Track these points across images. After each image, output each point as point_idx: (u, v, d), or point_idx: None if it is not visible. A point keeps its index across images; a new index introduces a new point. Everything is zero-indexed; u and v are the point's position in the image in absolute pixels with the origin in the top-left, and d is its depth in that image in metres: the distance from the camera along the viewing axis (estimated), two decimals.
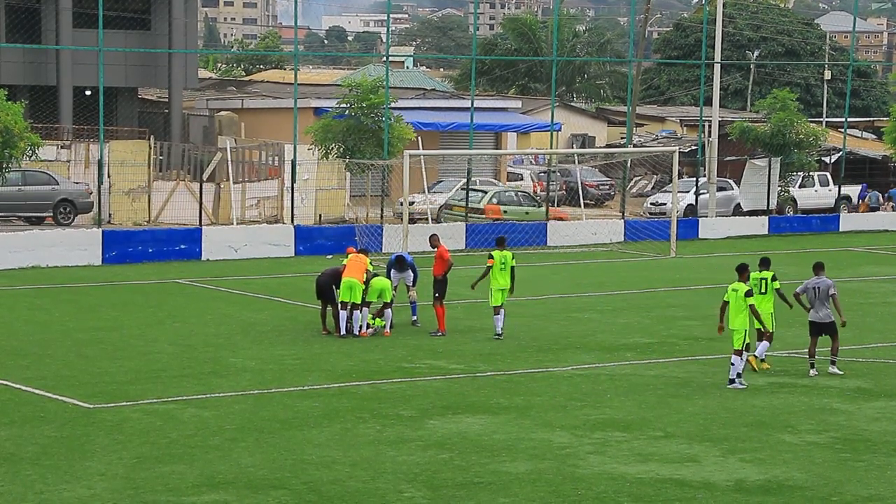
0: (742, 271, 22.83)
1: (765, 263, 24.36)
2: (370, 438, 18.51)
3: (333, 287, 26.61)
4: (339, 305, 26.45)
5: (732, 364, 22.44)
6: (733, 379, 22.36)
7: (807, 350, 23.98)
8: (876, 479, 16.97)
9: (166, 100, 56.39)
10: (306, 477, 16.56)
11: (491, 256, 27.21)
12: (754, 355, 23.73)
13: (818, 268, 24.32)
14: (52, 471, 16.60)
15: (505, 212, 47.30)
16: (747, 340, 22.56)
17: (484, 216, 46.14)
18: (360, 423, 19.41)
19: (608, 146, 70.21)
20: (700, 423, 19.79)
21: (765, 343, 23.82)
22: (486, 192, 48.05)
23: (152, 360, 23.81)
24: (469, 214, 45.35)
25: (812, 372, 23.58)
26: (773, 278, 24.14)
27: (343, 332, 26.37)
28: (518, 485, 16.40)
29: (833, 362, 23.77)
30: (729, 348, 25.98)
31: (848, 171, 55.64)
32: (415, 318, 27.93)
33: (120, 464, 16.97)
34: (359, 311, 26.60)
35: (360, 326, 26.62)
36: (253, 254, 39.54)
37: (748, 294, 22.45)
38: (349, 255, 27.27)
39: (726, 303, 22.57)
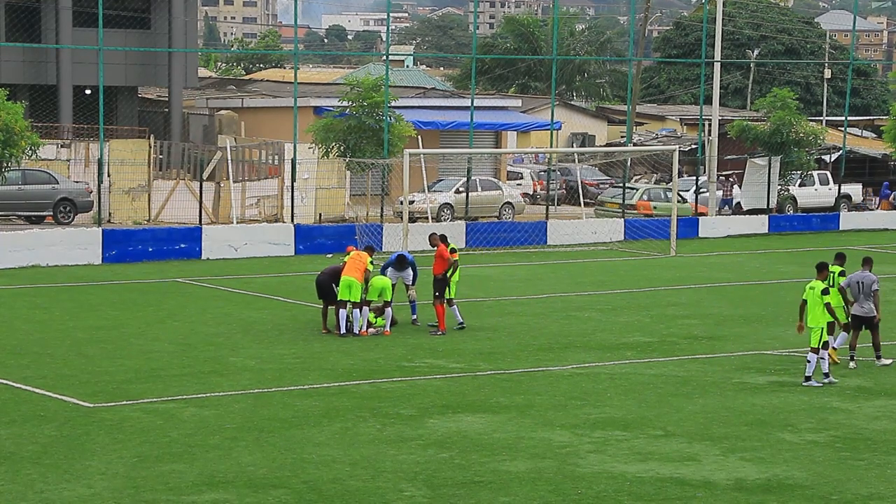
0: (821, 269, 23.06)
1: (839, 258, 24.77)
2: (370, 437, 18.50)
3: (334, 286, 26.60)
4: (338, 304, 26.43)
5: (808, 361, 22.57)
6: (808, 377, 22.48)
7: (847, 345, 24.21)
8: (876, 478, 16.97)
9: (166, 99, 56.42)
10: (306, 476, 16.56)
11: (454, 250, 27.33)
12: (834, 347, 23.85)
13: (866, 262, 24.54)
14: (52, 470, 16.61)
15: (655, 207, 49.83)
16: (824, 338, 22.62)
17: (636, 211, 48.75)
18: (360, 422, 19.40)
19: (608, 145, 70.23)
20: (700, 421, 19.78)
21: (842, 334, 24.16)
22: (637, 189, 50.62)
23: (152, 359, 23.81)
24: (621, 210, 48.05)
25: (852, 364, 23.85)
26: (842, 273, 24.32)
27: (343, 331, 26.37)
28: (518, 484, 16.40)
29: (878, 356, 24.06)
30: (727, 347, 26.06)
31: (848, 170, 55.63)
32: (414, 316, 27.93)
33: (120, 463, 16.97)
34: (359, 311, 26.59)
35: (361, 325, 26.61)
36: (253, 253, 39.55)
37: (824, 292, 22.60)
38: (350, 253, 27.25)
39: (805, 301, 22.70)
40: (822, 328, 22.57)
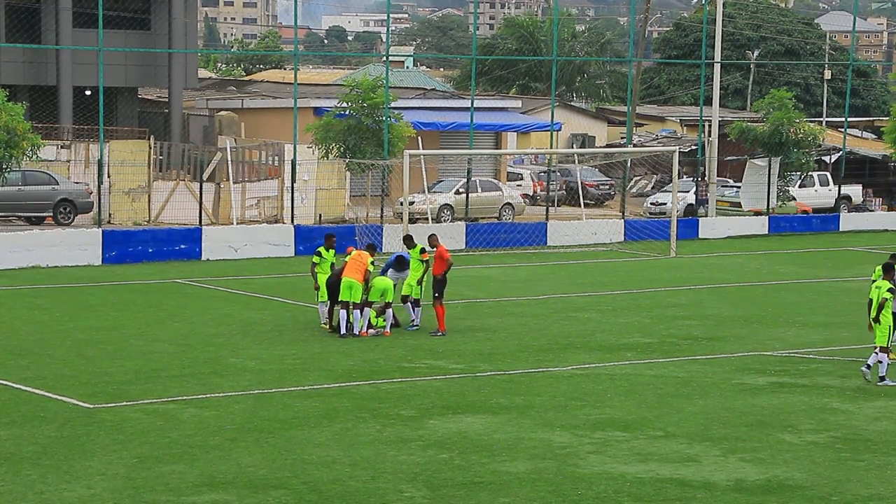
0: (888, 270, 23.08)
1: None
2: (370, 438, 18.50)
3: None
4: (339, 305, 26.44)
5: (880, 362, 22.61)
6: (883, 377, 22.53)
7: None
8: (876, 479, 16.97)
9: (166, 100, 56.41)
10: (306, 477, 16.56)
11: (424, 250, 27.40)
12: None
13: None
14: (52, 470, 16.60)
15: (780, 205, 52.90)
16: (893, 337, 22.69)
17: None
18: (360, 422, 19.40)
19: (608, 146, 70.19)
20: (700, 422, 19.78)
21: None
22: None
23: (152, 360, 23.81)
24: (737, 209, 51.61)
25: None
26: None
27: (343, 331, 26.36)
28: (518, 484, 16.40)
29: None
30: (727, 348, 26.07)
31: (848, 171, 55.64)
32: (414, 318, 27.91)
33: (120, 463, 16.97)
34: (359, 312, 26.59)
35: (361, 326, 26.61)
36: (253, 253, 39.55)
37: (889, 291, 22.59)
38: (350, 254, 27.19)
39: (871, 300, 22.74)
40: (890, 326, 22.56)
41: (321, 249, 27.80)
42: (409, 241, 28.06)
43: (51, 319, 28.16)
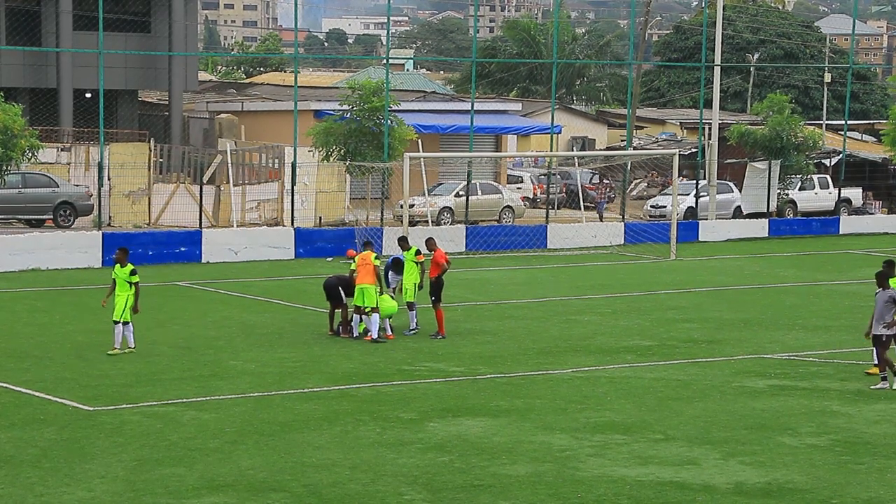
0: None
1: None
2: (370, 441, 18.50)
3: (340, 288, 26.67)
4: (354, 309, 26.40)
5: None
6: None
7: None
8: (876, 482, 16.96)
9: (166, 102, 56.45)
10: (306, 479, 16.56)
11: (419, 252, 27.37)
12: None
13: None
14: (52, 473, 16.60)
15: None
16: None
17: None
18: (360, 425, 19.40)
19: (608, 149, 70.20)
20: (700, 425, 19.77)
21: None
22: None
23: (152, 363, 23.81)
24: None
25: None
26: None
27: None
28: (518, 487, 16.39)
29: None
30: (727, 351, 26.06)
31: (848, 174, 55.68)
32: (414, 320, 27.89)
33: (120, 466, 16.97)
34: (359, 316, 26.57)
35: (362, 330, 26.59)
36: (253, 256, 39.56)
37: None
38: (354, 259, 26.93)
39: None
40: None
41: (117, 266, 25.13)
42: (403, 242, 28.05)
43: (51, 322, 28.16)
